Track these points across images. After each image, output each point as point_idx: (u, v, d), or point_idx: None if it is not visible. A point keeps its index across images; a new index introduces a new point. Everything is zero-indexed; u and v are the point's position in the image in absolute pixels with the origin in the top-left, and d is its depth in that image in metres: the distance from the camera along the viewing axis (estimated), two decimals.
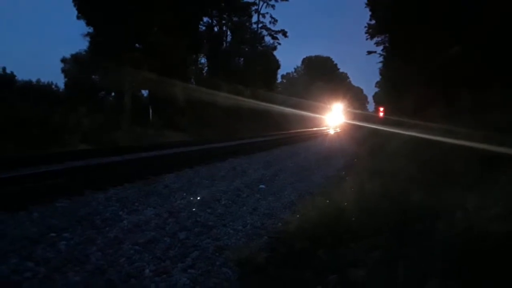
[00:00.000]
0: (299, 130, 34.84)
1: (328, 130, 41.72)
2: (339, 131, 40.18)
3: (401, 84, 19.62)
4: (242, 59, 38.02)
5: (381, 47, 32.24)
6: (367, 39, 32.63)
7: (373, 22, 30.50)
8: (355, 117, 52.21)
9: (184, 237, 3.91)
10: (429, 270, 2.47)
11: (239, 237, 4.12)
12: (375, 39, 32.10)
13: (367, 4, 28.67)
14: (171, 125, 21.91)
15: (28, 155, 9.31)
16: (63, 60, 26.66)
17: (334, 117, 51.85)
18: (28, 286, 2.70)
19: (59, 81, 26.36)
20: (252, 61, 36.49)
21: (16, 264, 2.96)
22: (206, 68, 34.56)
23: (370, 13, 29.63)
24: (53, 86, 25.21)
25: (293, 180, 7.71)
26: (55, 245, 3.37)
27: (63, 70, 26.89)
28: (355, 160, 10.83)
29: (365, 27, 32.42)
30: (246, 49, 39.22)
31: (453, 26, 12.28)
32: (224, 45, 36.83)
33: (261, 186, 6.82)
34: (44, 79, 25.11)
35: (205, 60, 34.14)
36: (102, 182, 5.89)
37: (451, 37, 12.46)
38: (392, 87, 26.17)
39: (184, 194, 5.68)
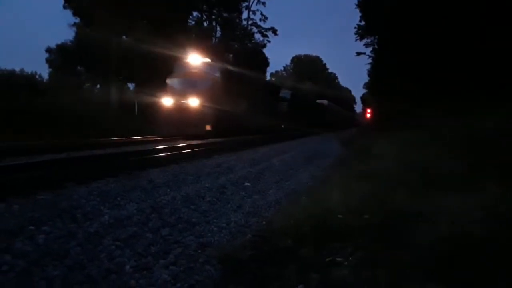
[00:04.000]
0: None
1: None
2: None
3: (388, 85, 19.85)
4: (231, 55, 37.96)
5: (370, 49, 32.54)
6: (356, 40, 32.92)
7: (363, 23, 30.77)
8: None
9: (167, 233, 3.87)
10: (413, 271, 2.49)
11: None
12: (365, 41, 32.41)
13: (358, 5, 28.92)
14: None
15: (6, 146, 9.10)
16: (48, 50, 26.19)
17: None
18: (5, 280, 2.63)
19: (43, 71, 25.94)
20: (241, 57, 36.42)
21: None
22: None
23: (360, 14, 29.91)
24: (37, 76, 24.79)
25: None
26: (34, 238, 3.29)
27: (47, 60, 26.43)
28: None
29: (355, 28, 32.68)
30: (236, 45, 39.15)
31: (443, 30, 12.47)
32: (214, 40, 36.67)
33: None
34: (28, 69, 24.73)
35: None
36: (84, 175, 5.76)
37: (441, 42, 12.65)
38: (379, 88, 26.44)
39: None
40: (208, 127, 15.48)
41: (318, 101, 42.06)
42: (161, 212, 4.46)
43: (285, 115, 26.26)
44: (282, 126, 25.24)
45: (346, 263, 2.91)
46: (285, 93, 27.89)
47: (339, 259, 2.98)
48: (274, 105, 24.96)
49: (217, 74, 16.83)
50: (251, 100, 19.76)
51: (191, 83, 16.01)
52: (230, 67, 19.52)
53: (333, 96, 56.88)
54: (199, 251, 3.55)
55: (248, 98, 19.49)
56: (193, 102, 15.43)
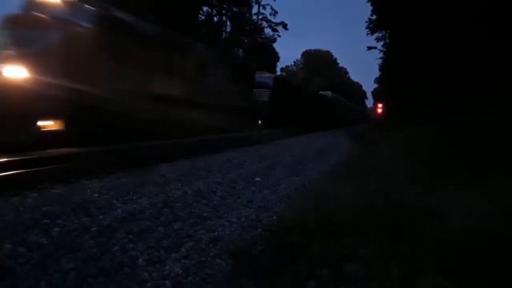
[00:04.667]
0: None
1: None
2: None
3: (398, 81, 19.69)
4: (241, 50, 37.87)
5: (381, 43, 32.22)
6: (367, 34, 32.61)
7: (374, 17, 30.45)
8: None
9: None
10: (423, 267, 2.49)
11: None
12: (376, 35, 32.09)
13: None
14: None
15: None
16: None
17: None
18: (22, 272, 2.69)
19: None
20: (251, 52, 36.26)
21: (10, 249, 2.94)
22: None
23: (371, 8, 29.59)
24: None
25: None
26: (48, 232, 3.35)
27: None
28: None
29: (366, 22, 32.36)
30: (246, 40, 39.03)
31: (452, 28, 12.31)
32: (224, 35, 36.62)
33: None
34: None
35: None
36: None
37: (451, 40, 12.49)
38: (390, 83, 26.20)
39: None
40: (50, 125, 7.65)
41: (320, 92, 35.77)
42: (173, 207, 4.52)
43: (266, 108, 18.73)
44: (259, 122, 18.30)
45: (356, 258, 2.91)
46: (265, 77, 19.96)
47: (349, 255, 2.99)
48: (245, 93, 16.73)
49: (88, 24, 8.57)
50: (191, 82, 12.19)
51: (26, 37, 7.95)
52: (127, 18, 10.26)
53: (340, 87, 53.23)
54: (211, 245, 3.58)
55: (184, 77, 11.87)
56: (15, 72, 7.18)
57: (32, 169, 5.37)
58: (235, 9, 37.49)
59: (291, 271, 2.96)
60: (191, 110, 11.59)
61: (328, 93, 36.76)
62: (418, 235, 3.10)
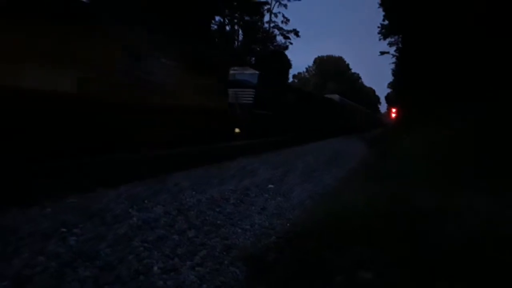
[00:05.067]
0: None
1: None
2: None
3: (411, 85, 19.50)
4: (253, 58, 38.11)
5: (394, 48, 32.10)
6: (380, 39, 32.54)
7: (386, 22, 30.38)
8: None
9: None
10: (438, 272, 2.45)
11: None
12: (388, 40, 32.00)
13: (381, 5, 28.56)
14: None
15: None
16: None
17: None
18: (40, 280, 2.74)
19: None
20: (264, 60, 36.41)
21: (28, 258, 3.00)
22: None
23: (383, 13, 29.54)
24: None
25: None
26: (66, 240, 3.41)
27: None
28: None
29: (378, 27, 32.30)
30: (258, 48, 39.27)
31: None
32: (236, 44, 36.93)
33: None
34: None
35: None
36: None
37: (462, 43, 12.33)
38: (403, 88, 25.96)
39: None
40: None
41: (326, 95, 32.27)
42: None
43: (246, 112, 14.07)
44: (237, 131, 13.47)
45: (370, 265, 2.89)
46: (248, 74, 15.41)
47: (363, 261, 2.96)
48: (213, 92, 11.66)
49: None
50: (107, 75, 7.57)
51: None
52: None
53: (352, 92, 50.99)
54: (224, 252, 3.59)
55: (95, 69, 7.18)
56: None
57: None
58: (247, 17, 37.81)
59: (305, 279, 2.95)
60: (103, 113, 7.49)
61: (336, 96, 32.63)
62: (433, 240, 3.06)
